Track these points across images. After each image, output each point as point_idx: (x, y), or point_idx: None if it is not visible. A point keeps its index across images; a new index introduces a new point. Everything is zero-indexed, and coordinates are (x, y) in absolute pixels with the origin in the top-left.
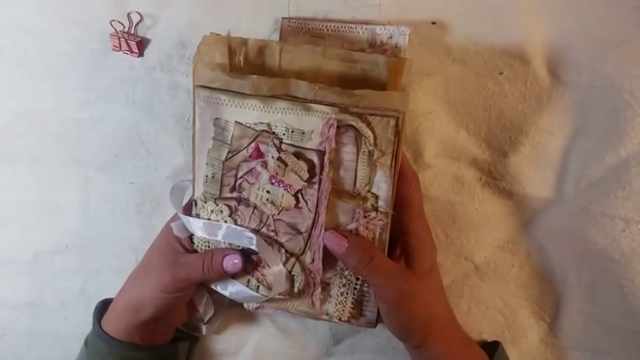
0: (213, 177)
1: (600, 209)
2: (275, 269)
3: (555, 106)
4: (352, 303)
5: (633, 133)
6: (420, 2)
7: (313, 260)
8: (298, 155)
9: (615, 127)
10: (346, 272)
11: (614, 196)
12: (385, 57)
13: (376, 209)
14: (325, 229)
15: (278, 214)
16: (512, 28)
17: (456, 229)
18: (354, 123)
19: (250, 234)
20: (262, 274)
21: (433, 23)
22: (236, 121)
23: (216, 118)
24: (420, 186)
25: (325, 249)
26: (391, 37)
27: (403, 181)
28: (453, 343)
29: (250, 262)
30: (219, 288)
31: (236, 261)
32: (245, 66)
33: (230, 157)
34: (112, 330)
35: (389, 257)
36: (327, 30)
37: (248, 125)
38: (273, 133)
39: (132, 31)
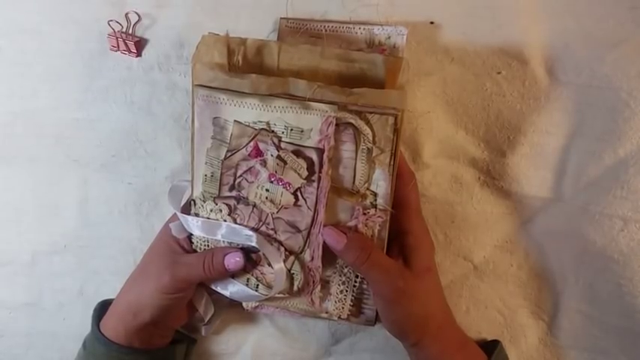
0: (212, 176)
1: (599, 209)
2: (276, 267)
3: (553, 105)
4: (351, 301)
5: (631, 133)
6: (417, 2)
7: (312, 258)
8: (297, 153)
9: (613, 127)
10: (345, 270)
11: (612, 196)
12: (383, 56)
13: (375, 207)
14: (324, 227)
15: (277, 212)
16: (511, 28)
17: (455, 229)
18: (352, 121)
19: (250, 232)
20: (261, 273)
21: (431, 23)
22: (235, 120)
23: (215, 117)
24: (417, 185)
25: (324, 247)
26: (389, 38)
27: (400, 180)
28: (450, 343)
29: (249, 260)
30: (219, 288)
31: (237, 259)
32: (243, 66)
33: (229, 156)
34: (110, 333)
35: (387, 256)
36: (325, 30)
37: (247, 124)
38: (272, 131)
39: (130, 31)
